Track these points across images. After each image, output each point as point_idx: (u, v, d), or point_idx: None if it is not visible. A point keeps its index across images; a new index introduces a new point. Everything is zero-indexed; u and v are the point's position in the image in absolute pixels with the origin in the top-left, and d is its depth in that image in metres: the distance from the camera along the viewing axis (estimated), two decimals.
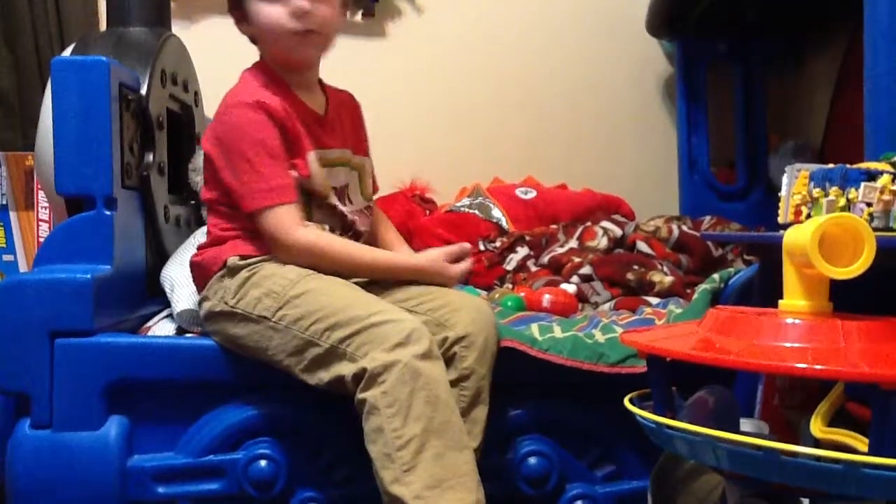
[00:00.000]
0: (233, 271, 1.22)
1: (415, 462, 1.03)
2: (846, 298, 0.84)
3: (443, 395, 1.07)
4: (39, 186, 1.98)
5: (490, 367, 1.20)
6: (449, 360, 1.17)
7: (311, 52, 1.29)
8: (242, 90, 1.27)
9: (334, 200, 1.29)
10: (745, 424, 0.96)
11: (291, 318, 1.15)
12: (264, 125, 1.21)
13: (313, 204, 1.27)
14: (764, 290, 1.18)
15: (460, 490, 1.03)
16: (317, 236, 1.23)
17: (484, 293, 1.79)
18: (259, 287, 1.19)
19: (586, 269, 1.77)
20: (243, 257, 1.23)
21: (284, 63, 1.29)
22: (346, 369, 1.09)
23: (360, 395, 1.07)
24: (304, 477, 1.25)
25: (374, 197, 1.44)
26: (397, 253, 1.40)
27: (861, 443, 0.77)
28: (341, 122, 1.36)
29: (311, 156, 1.26)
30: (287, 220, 1.20)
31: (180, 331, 1.36)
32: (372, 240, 1.40)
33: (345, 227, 1.31)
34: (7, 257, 2.04)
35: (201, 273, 1.28)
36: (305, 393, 1.18)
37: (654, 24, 2.34)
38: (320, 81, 1.37)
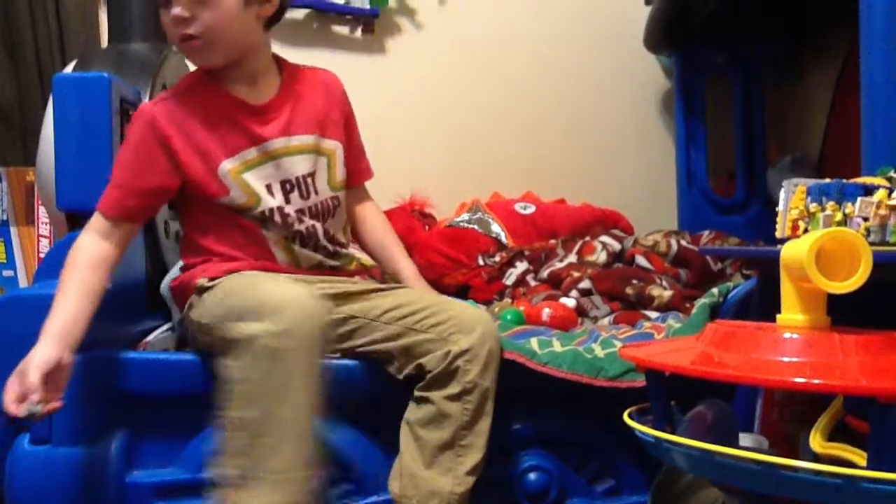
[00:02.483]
0: (201, 291, 1.23)
1: (245, 447, 1.01)
2: (843, 313, 0.84)
3: (295, 382, 1.02)
4: (40, 202, 1.98)
5: (493, 379, 1.20)
6: (452, 374, 1.17)
7: (205, 58, 1.25)
8: (166, 92, 1.30)
9: (268, 203, 1.26)
10: (744, 439, 0.96)
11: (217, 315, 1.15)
12: (142, 141, 1.23)
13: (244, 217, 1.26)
14: (762, 304, 1.18)
15: (273, 487, 1.00)
16: (74, 248, 1.18)
17: (483, 307, 1.79)
18: (215, 298, 1.20)
19: (585, 284, 1.77)
20: (211, 278, 1.23)
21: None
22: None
23: (225, 363, 1.06)
24: None
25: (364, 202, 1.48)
26: None
27: (860, 457, 0.78)
28: (305, 105, 1.32)
29: (225, 166, 1.24)
30: (89, 224, 1.20)
31: (180, 345, 1.36)
32: (363, 238, 1.46)
33: (297, 228, 1.28)
34: (7, 272, 2.04)
35: (180, 296, 1.31)
36: None
37: (652, 40, 2.35)
38: (284, 65, 1.34)
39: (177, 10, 1.19)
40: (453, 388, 1.16)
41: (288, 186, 1.28)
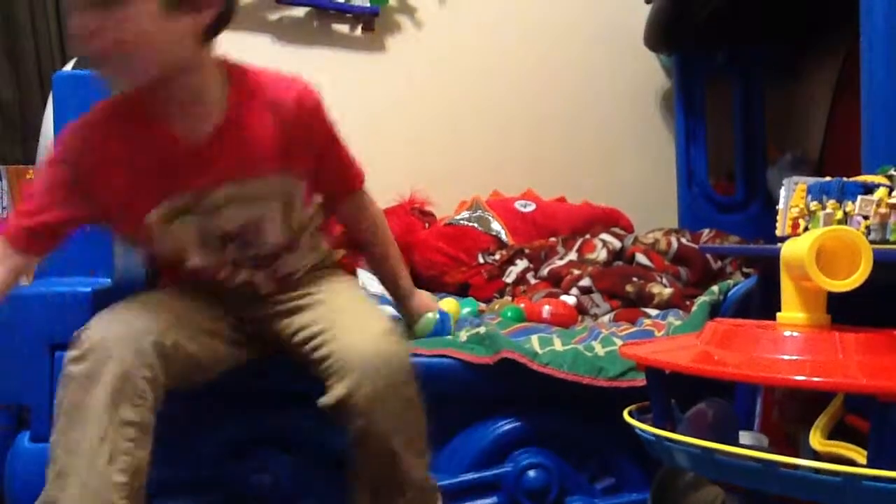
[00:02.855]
0: None
1: (48, 473, 0.98)
2: (844, 311, 0.84)
3: (89, 412, 0.95)
4: None
5: (394, 414, 1.02)
6: (343, 421, 1.03)
7: (117, 81, 1.03)
8: (85, 118, 1.08)
9: (197, 261, 1.11)
10: (745, 437, 0.96)
11: None
12: (45, 172, 1.08)
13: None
14: (762, 302, 1.18)
15: None
16: None
17: (483, 305, 1.79)
18: None
19: (586, 282, 1.77)
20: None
21: None
22: None
23: None
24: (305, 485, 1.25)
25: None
26: None
27: (860, 455, 0.77)
28: (254, 137, 1.07)
29: (150, 217, 1.07)
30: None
31: None
32: (362, 252, 1.34)
33: (231, 285, 1.14)
34: None
35: None
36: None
37: (652, 39, 2.35)
38: (235, 81, 1.07)
39: (79, 22, 0.93)
40: (351, 435, 1.03)
41: (225, 240, 1.11)
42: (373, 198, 1.30)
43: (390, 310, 1.51)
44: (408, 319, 1.36)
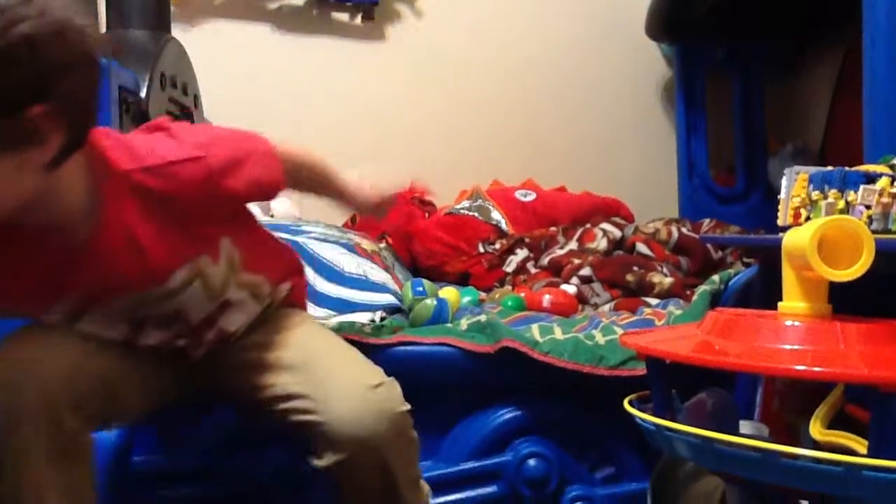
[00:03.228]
0: None
1: None
2: (845, 301, 0.84)
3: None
4: None
5: (398, 464, 0.96)
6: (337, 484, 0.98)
7: None
8: None
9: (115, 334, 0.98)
10: (745, 426, 0.96)
11: None
12: None
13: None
14: (763, 292, 1.18)
15: None
16: None
17: (484, 294, 1.79)
18: None
19: (586, 271, 1.77)
20: None
21: None
22: None
23: None
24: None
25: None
26: None
27: (860, 445, 0.77)
28: (141, 247, 0.90)
29: (51, 316, 0.94)
30: None
31: None
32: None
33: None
34: None
35: None
36: None
37: (654, 28, 2.34)
38: (107, 189, 0.86)
39: None
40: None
41: (137, 323, 0.98)
42: (296, 163, 1.04)
43: (389, 297, 1.51)
44: (359, 210, 1.22)
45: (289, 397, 0.96)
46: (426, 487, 1.08)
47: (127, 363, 0.97)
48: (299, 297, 1.16)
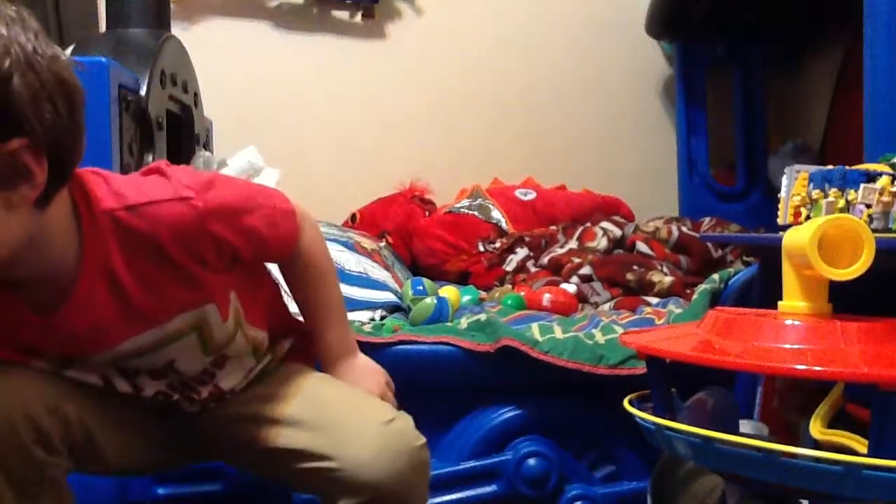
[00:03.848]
0: None
1: None
2: (845, 300, 0.84)
3: None
4: None
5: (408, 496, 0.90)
6: None
7: None
8: None
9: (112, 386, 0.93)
10: (745, 426, 0.96)
11: None
12: None
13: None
14: (763, 291, 1.18)
15: None
16: None
17: (484, 293, 1.79)
18: None
19: (586, 270, 1.77)
20: None
21: None
22: None
23: None
24: None
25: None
26: None
27: (860, 444, 0.77)
28: (132, 290, 0.85)
29: (39, 364, 0.90)
30: None
31: None
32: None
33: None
34: None
35: None
36: None
37: (654, 26, 2.34)
38: (90, 233, 0.82)
39: None
40: None
41: (130, 374, 0.94)
42: (312, 251, 1.01)
43: (389, 295, 1.51)
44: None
45: (299, 450, 0.91)
46: None
47: (112, 410, 0.93)
48: (303, 354, 1.07)
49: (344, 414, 0.93)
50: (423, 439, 0.92)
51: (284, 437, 0.93)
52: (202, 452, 1.03)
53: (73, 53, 1.52)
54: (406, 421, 0.94)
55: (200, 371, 0.95)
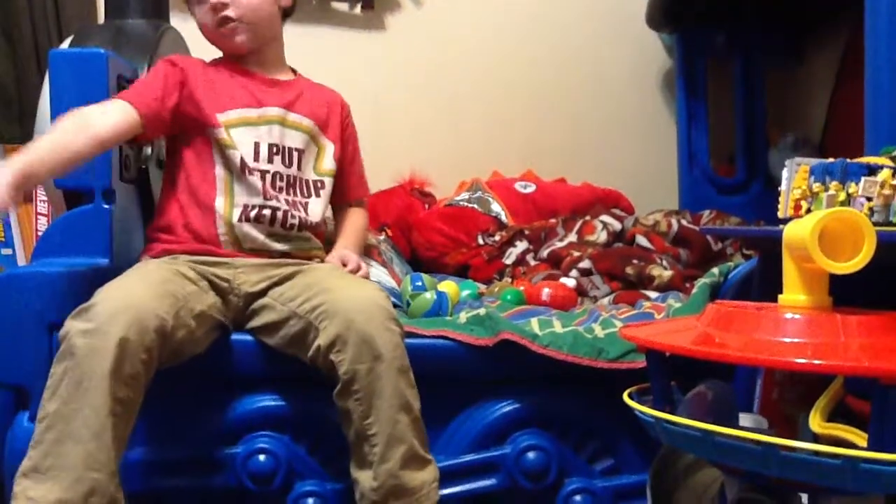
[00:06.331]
0: None
1: (40, 439, 1.01)
2: (846, 293, 0.84)
3: (92, 382, 1.00)
4: None
5: (378, 359, 1.11)
6: (332, 369, 1.13)
7: (240, 41, 1.37)
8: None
9: (243, 156, 1.32)
10: (744, 419, 0.96)
11: None
12: (161, 69, 1.35)
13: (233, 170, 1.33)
14: (763, 284, 1.18)
15: (52, 482, 0.99)
16: (74, 114, 1.21)
17: (483, 287, 1.79)
18: None
19: (585, 263, 1.77)
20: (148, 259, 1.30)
21: (224, 52, 1.43)
22: None
23: None
24: (304, 470, 1.25)
25: (360, 195, 1.55)
26: None
27: (860, 438, 0.77)
28: (308, 98, 1.43)
29: (222, 116, 1.34)
30: (115, 98, 1.29)
31: None
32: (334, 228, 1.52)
33: (261, 201, 1.33)
34: (5, 251, 2.04)
35: None
36: (316, 388, 1.18)
37: (654, 17, 2.33)
38: (297, 72, 1.49)
39: None
40: (338, 384, 1.12)
41: (275, 150, 1.36)
42: (364, 217, 1.55)
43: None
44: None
45: (306, 293, 1.21)
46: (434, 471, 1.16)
47: (199, 309, 1.18)
48: None
49: (349, 280, 1.29)
50: (387, 298, 1.19)
51: (297, 291, 1.24)
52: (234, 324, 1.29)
53: (71, 44, 1.51)
54: (376, 290, 1.21)
55: (305, 178, 1.40)
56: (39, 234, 2.01)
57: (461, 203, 2.17)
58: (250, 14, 1.35)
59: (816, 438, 0.81)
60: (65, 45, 1.54)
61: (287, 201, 1.35)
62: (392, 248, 1.96)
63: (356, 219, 1.52)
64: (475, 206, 2.15)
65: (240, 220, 1.31)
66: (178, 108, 1.33)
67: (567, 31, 2.49)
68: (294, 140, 1.39)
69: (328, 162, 1.43)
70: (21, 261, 2.03)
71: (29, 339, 1.20)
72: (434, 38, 2.42)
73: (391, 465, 1.10)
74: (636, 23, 2.38)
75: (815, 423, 0.82)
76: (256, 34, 1.38)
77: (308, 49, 2.33)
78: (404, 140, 2.35)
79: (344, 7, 2.38)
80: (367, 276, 1.39)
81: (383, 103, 2.35)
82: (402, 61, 2.40)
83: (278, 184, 1.35)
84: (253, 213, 1.31)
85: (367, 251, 1.62)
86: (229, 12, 1.34)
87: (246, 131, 1.35)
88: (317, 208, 1.40)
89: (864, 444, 0.74)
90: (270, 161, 1.35)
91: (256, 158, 1.34)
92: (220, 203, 1.31)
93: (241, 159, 1.32)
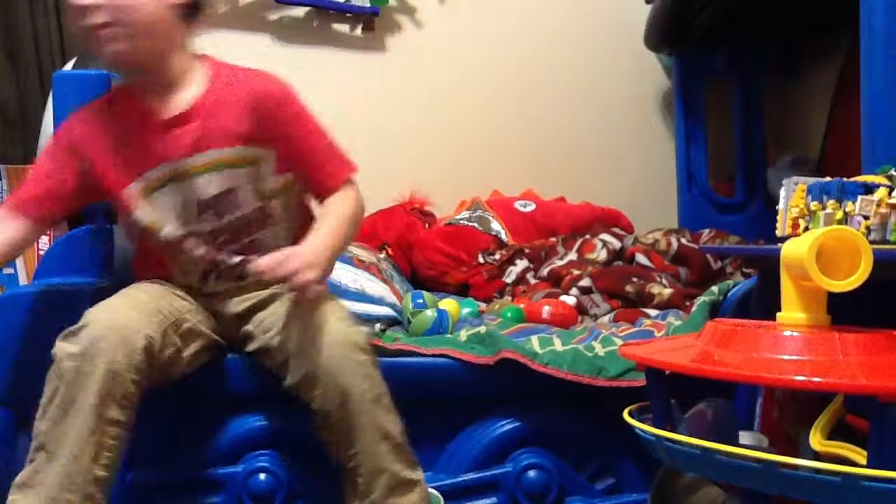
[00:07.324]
0: None
1: (32, 456, 1.04)
2: (844, 311, 0.84)
3: (78, 406, 1.02)
4: None
5: (347, 396, 1.08)
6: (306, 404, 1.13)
7: (118, 47, 1.11)
8: (88, 105, 1.23)
9: (170, 231, 1.19)
10: (745, 437, 0.96)
11: None
12: (45, 150, 1.22)
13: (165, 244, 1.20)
14: (762, 302, 1.18)
15: (33, 498, 1.01)
16: None
17: (483, 305, 1.79)
18: None
19: (585, 282, 1.77)
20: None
21: (114, 69, 1.26)
22: None
23: None
24: (304, 490, 1.25)
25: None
26: None
27: (860, 455, 0.77)
28: (224, 114, 1.18)
29: (132, 188, 1.18)
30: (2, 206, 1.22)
31: None
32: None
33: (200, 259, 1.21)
34: (7, 270, 2.04)
35: None
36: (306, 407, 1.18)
37: (653, 38, 2.35)
38: (214, 69, 1.21)
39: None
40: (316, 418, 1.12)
41: (200, 207, 1.19)
42: (360, 197, 1.25)
43: (387, 310, 1.51)
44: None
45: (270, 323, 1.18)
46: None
47: (189, 326, 1.18)
48: None
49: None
50: (350, 323, 1.14)
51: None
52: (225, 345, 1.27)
53: (74, 66, 1.53)
54: (338, 321, 1.13)
55: (248, 212, 1.21)
56: (41, 253, 2.01)
57: (461, 222, 2.17)
58: (127, 16, 1.09)
59: (817, 456, 0.81)
60: (68, 66, 1.55)
61: (238, 251, 1.21)
62: (393, 266, 1.96)
63: (335, 206, 1.22)
64: (475, 224, 2.16)
65: (201, 280, 1.24)
66: (82, 180, 1.19)
67: (566, 52, 2.50)
68: (215, 183, 1.18)
69: (271, 180, 1.22)
70: (23, 280, 2.03)
71: (31, 359, 1.20)
72: (434, 59, 2.43)
73: (376, 495, 1.09)
74: (635, 44, 2.40)
75: (816, 440, 0.82)
76: (141, 41, 1.12)
77: (309, 70, 2.36)
78: (404, 159, 2.36)
79: (345, 28, 2.40)
80: (321, 286, 1.13)
81: (383, 123, 2.37)
82: (402, 82, 2.42)
83: (219, 239, 1.21)
84: (211, 274, 1.24)
85: (367, 269, 1.62)
86: (101, 16, 1.09)
87: (159, 197, 1.18)
88: (274, 234, 1.24)
89: (865, 461, 0.74)
90: (199, 221, 1.19)
91: (185, 224, 1.19)
92: (175, 271, 1.24)
93: (167, 238, 1.19)
